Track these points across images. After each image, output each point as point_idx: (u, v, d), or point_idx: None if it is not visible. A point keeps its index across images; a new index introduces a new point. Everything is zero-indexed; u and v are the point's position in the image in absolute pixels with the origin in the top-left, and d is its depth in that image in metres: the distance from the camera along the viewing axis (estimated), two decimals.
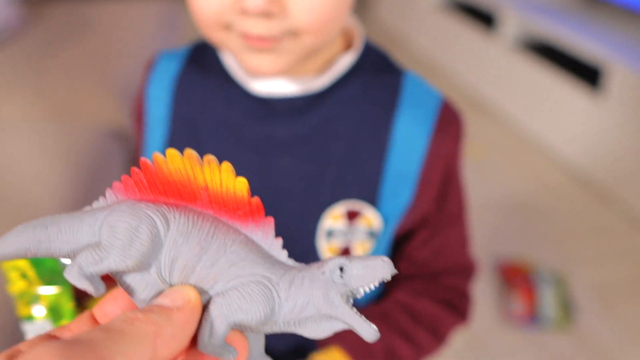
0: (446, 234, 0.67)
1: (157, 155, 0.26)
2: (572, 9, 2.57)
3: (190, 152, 0.26)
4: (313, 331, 0.26)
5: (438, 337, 0.66)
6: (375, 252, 0.64)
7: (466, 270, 0.70)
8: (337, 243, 0.62)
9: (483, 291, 1.69)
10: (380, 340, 0.62)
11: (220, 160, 0.26)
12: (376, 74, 0.62)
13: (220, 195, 0.27)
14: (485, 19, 2.87)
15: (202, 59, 0.65)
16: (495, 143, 2.48)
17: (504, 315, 1.62)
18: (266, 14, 0.51)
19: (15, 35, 3.26)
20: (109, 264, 0.25)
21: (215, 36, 0.56)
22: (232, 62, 0.63)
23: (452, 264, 0.68)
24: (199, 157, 0.26)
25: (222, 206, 0.27)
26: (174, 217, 0.26)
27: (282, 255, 0.27)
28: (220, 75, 0.63)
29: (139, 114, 0.69)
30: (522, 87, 2.55)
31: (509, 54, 2.60)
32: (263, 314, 0.25)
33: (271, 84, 0.60)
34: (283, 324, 0.26)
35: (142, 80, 0.68)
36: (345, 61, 0.61)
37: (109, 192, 0.27)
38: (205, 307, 0.26)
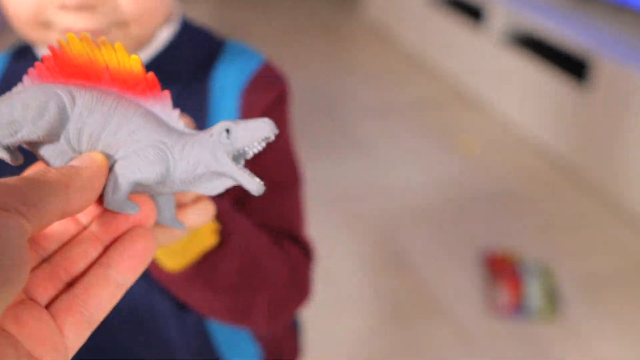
0: (264, 194, 0.62)
1: (60, 40, 0.29)
2: (558, 2, 2.58)
3: (85, 35, 0.29)
4: (207, 188, 0.30)
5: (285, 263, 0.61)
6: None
7: (296, 238, 0.65)
8: None
9: (469, 282, 1.70)
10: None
11: None
12: (195, 46, 0.63)
13: (120, 73, 0.29)
14: (473, 13, 2.88)
15: (28, 55, 0.63)
16: (482, 136, 2.49)
17: (490, 306, 1.62)
18: (87, 7, 0.50)
19: None
20: (23, 135, 0.28)
21: (34, 35, 0.54)
22: None
23: (276, 226, 0.64)
24: (95, 39, 0.29)
25: (123, 83, 0.30)
26: (80, 94, 0.29)
27: (180, 124, 0.30)
28: None
29: None
30: (510, 80, 2.56)
31: (496, 48, 2.61)
32: (159, 173, 0.29)
33: None
34: (180, 183, 0.30)
35: None
36: (163, 37, 0.61)
37: (26, 78, 0.30)
38: (110, 170, 0.29)
